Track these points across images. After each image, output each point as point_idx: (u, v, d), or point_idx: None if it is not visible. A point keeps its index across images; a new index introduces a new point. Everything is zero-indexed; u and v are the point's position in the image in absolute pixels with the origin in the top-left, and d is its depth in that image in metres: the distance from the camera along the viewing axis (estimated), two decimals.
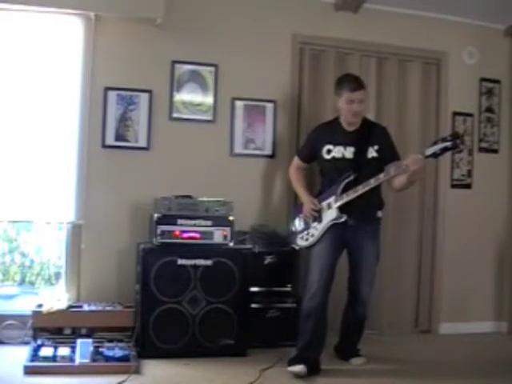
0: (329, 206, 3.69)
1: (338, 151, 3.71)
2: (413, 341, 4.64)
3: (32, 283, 4.35)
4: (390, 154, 3.70)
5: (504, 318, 5.03)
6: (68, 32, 4.16)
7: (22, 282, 4.33)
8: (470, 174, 5.02)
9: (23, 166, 4.07)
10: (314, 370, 3.52)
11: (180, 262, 3.82)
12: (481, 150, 5.07)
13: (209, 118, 4.45)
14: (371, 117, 4.76)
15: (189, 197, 4.03)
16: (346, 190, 3.62)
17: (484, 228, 5.03)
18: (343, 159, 3.69)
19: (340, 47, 4.69)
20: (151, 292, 3.75)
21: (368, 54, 4.76)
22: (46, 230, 4.30)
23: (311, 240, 3.72)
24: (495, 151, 5.11)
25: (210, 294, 3.84)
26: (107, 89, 4.23)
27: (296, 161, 4.00)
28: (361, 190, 3.56)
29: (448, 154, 4.93)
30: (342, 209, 3.63)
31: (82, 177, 4.16)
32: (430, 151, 3.40)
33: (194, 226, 3.90)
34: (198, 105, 4.43)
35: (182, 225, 3.88)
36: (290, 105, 4.59)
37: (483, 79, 5.07)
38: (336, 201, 3.65)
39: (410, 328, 4.87)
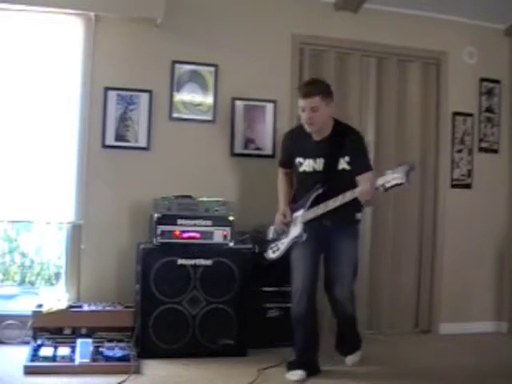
0: (295, 221, 3.56)
1: (307, 165, 3.55)
2: (413, 341, 4.63)
3: (32, 283, 4.35)
4: (360, 166, 3.46)
5: (504, 318, 5.02)
6: (68, 32, 4.16)
7: (22, 282, 4.33)
8: (469, 173, 5.02)
9: (23, 166, 4.07)
10: (313, 371, 3.52)
11: (180, 261, 3.82)
12: (481, 149, 5.07)
13: (209, 118, 4.45)
14: (371, 117, 4.79)
15: (189, 197, 4.03)
16: (315, 203, 3.47)
17: (484, 228, 5.02)
18: (314, 172, 3.53)
19: (340, 47, 4.69)
20: (151, 292, 3.76)
21: (368, 54, 4.76)
22: (46, 230, 4.30)
23: (277, 254, 3.64)
24: (495, 151, 5.11)
25: (210, 294, 3.84)
26: (107, 89, 4.23)
27: (280, 168, 3.84)
28: (322, 209, 3.41)
29: (448, 154, 4.96)
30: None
31: (82, 177, 4.16)
32: (381, 181, 3.13)
33: (194, 225, 3.90)
34: (198, 105, 4.43)
35: (181, 225, 3.88)
36: (290, 105, 4.59)
37: (483, 79, 5.07)
38: (302, 216, 3.52)
39: (409, 328, 4.87)
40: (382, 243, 4.76)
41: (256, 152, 4.55)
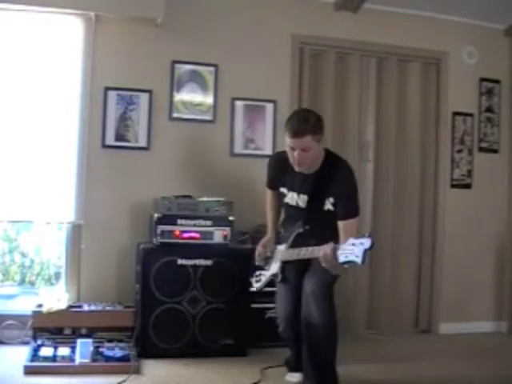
0: (277, 256, 3.34)
1: (291, 198, 3.24)
2: (413, 341, 4.63)
3: (32, 283, 4.35)
4: (343, 212, 3.08)
5: (504, 318, 5.03)
6: (68, 32, 4.16)
7: (22, 282, 4.33)
8: (469, 173, 5.02)
9: (23, 166, 4.07)
10: None
11: (180, 262, 3.82)
12: (481, 149, 5.07)
13: (209, 117, 4.45)
14: (371, 117, 4.79)
15: (189, 197, 4.04)
16: (296, 240, 3.22)
17: (484, 228, 5.02)
18: (297, 207, 3.23)
19: (340, 47, 4.69)
20: (151, 292, 3.75)
21: (368, 54, 4.77)
22: (46, 230, 4.30)
23: (259, 285, 3.43)
24: (495, 151, 5.11)
25: (209, 294, 3.84)
26: (107, 89, 4.23)
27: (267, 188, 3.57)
28: (295, 255, 3.13)
29: (448, 154, 4.97)
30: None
31: (82, 177, 4.16)
32: (340, 251, 2.79)
33: (194, 226, 3.90)
34: (198, 105, 4.43)
35: (182, 225, 3.88)
36: (290, 105, 4.59)
37: (483, 79, 5.07)
38: (282, 254, 3.28)
39: (409, 328, 4.87)
40: (382, 243, 4.76)
41: (256, 152, 4.55)
